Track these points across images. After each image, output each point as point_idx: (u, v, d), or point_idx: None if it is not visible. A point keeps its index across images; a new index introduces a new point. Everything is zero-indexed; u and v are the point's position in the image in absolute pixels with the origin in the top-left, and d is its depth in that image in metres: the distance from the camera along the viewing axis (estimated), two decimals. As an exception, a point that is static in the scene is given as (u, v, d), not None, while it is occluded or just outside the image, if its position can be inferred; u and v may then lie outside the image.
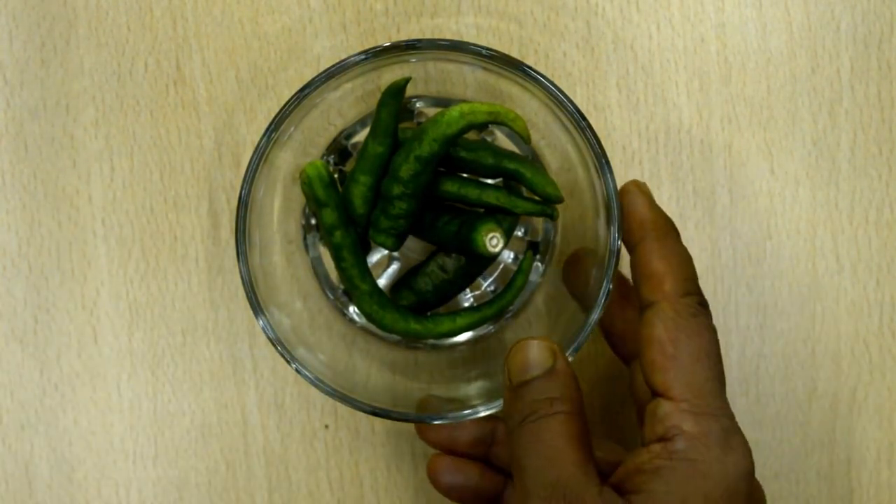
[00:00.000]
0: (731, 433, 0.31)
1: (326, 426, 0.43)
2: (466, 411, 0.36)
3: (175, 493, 0.44)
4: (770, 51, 0.43)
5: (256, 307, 0.36)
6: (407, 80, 0.36)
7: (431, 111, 0.41)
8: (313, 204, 0.38)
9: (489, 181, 0.39)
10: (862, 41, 0.43)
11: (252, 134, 0.43)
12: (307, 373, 0.36)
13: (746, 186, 0.43)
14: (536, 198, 0.38)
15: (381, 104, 0.37)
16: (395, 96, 0.37)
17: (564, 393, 0.32)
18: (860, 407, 0.43)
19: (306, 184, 0.38)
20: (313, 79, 0.36)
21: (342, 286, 0.41)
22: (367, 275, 0.39)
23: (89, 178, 0.43)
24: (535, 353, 0.33)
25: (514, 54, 0.43)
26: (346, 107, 0.38)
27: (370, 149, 0.37)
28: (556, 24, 0.43)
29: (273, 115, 0.43)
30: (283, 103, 0.43)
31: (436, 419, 0.36)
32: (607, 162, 0.35)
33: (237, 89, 0.43)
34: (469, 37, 0.43)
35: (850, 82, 0.43)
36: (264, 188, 0.38)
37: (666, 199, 0.43)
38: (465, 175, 0.39)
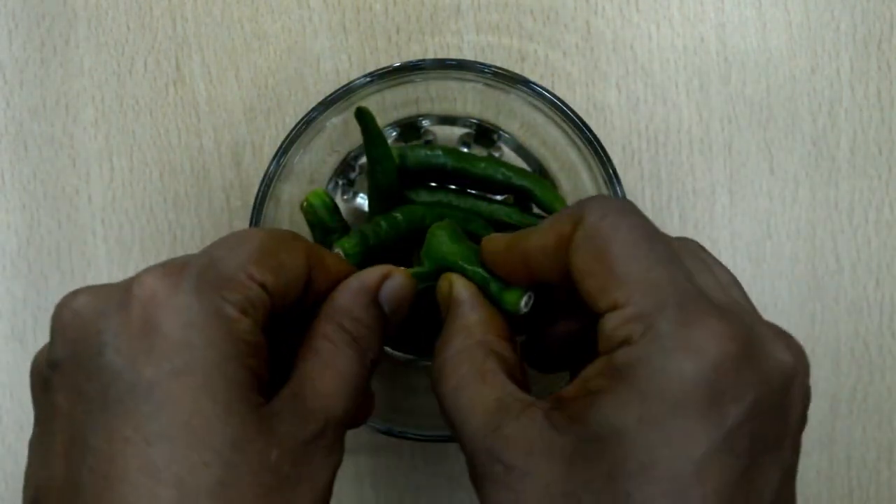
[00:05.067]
0: (688, 322, 0.23)
1: (326, 426, 0.43)
2: None
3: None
4: (770, 51, 0.43)
5: None
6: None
7: (437, 129, 0.41)
8: (320, 232, 0.38)
9: (498, 197, 0.39)
10: (862, 41, 0.43)
11: (252, 134, 0.43)
12: None
13: (746, 186, 0.43)
14: (546, 214, 0.39)
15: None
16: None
17: (456, 322, 0.29)
18: (860, 407, 0.43)
19: (311, 212, 0.37)
20: (319, 103, 0.36)
21: None
22: None
23: (89, 178, 0.43)
24: (441, 292, 0.30)
25: (514, 54, 0.43)
26: (351, 128, 0.38)
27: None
28: (555, 23, 0.43)
29: (272, 115, 0.43)
30: (282, 104, 0.43)
31: (451, 440, 0.37)
32: (616, 174, 0.35)
33: (237, 89, 0.43)
34: (468, 36, 0.43)
35: (849, 82, 0.43)
36: (275, 211, 0.37)
37: (665, 200, 0.43)
38: (473, 192, 0.39)
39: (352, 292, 0.28)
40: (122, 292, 0.25)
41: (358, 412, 0.30)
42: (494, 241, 0.30)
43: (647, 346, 0.23)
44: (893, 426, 0.43)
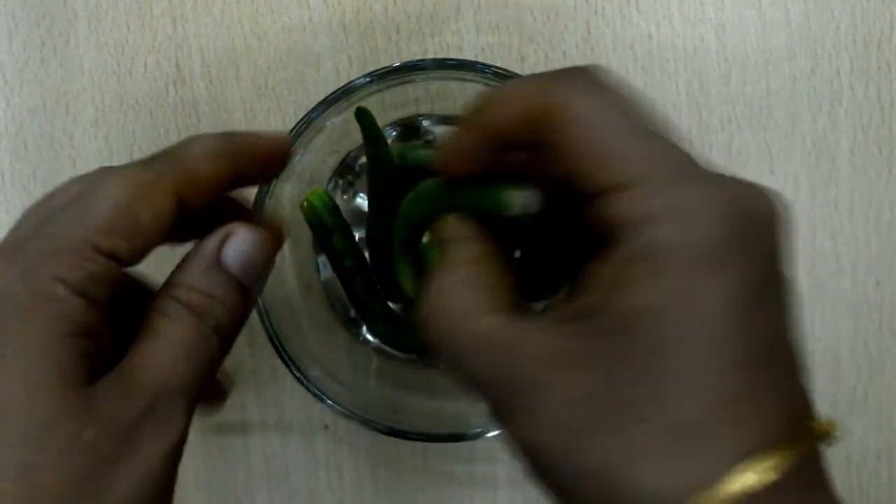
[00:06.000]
0: (714, 189, 0.23)
1: (326, 426, 0.43)
2: (479, 430, 0.36)
3: (175, 494, 0.43)
4: (770, 51, 0.43)
5: (272, 334, 0.36)
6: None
7: (437, 129, 0.41)
8: (319, 232, 0.38)
9: None
10: (862, 41, 0.43)
11: (252, 134, 0.43)
12: (322, 394, 0.36)
13: (746, 186, 0.43)
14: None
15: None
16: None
17: (447, 259, 0.27)
18: (860, 407, 0.43)
19: (311, 212, 0.37)
20: (319, 103, 0.36)
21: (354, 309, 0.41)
22: (379, 298, 0.39)
23: (89, 178, 0.43)
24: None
25: (514, 54, 0.43)
26: (351, 128, 0.38)
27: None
28: (555, 24, 0.43)
29: (272, 115, 0.43)
30: (282, 104, 0.43)
31: (453, 439, 0.37)
32: None
33: (237, 89, 0.43)
34: (469, 36, 0.43)
35: (850, 82, 0.43)
36: (275, 211, 0.37)
37: (666, 199, 0.43)
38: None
39: (188, 262, 0.27)
40: None
41: (210, 392, 0.29)
42: (447, 142, 0.27)
43: (673, 219, 0.23)
44: (893, 426, 0.43)
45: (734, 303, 0.22)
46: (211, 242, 0.27)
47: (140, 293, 0.30)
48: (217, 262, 0.27)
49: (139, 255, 0.26)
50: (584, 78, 0.25)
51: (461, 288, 0.26)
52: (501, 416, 0.24)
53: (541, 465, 0.23)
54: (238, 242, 0.27)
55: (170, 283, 0.27)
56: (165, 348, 0.26)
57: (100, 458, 0.24)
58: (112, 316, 0.26)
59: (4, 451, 0.23)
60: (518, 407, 0.23)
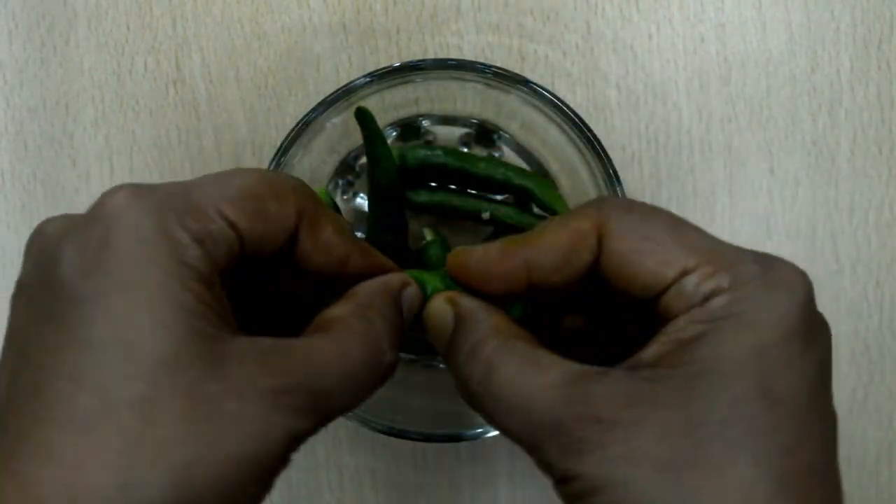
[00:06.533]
0: (769, 266, 0.26)
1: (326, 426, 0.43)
2: (479, 430, 0.36)
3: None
4: (770, 51, 0.43)
5: None
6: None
7: (437, 129, 0.41)
8: None
9: (498, 197, 0.39)
10: (862, 41, 0.43)
11: (252, 133, 0.43)
12: None
13: (746, 186, 0.43)
14: (546, 214, 0.39)
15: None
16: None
17: (480, 331, 0.27)
18: (860, 407, 0.43)
19: None
20: (319, 104, 0.36)
21: None
22: None
23: (89, 178, 0.43)
24: (439, 313, 0.29)
25: (514, 55, 0.43)
26: (351, 128, 0.38)
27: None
28: (555, 24, 0.43)
29: (272, 115, 0.43)
30: (282, 104, 0.43)
31: (453, 439, 0.37)
32: (616, 174, 0.35)
33: (237, 89, 0.43)
34: (469, 36, 0.43)
35: (849, 82, 0.43)
36: None
37: (665, 200, 0.43)
38: (473, 192, 0.39)
39: (376, 289, 0.28)
40: (93, 207, 0.25)
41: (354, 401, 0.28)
42: (473, 255, 0.29)
43: (744, 290, 0.25)
44: (893, 427, 0.43)
45: (818, 376, 0.25)
46: (395, 280, 0.29)
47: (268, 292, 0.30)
48: (399, 297, 0.29)
49: (258, 240, 0.26)
50: (608, 202, 0.27)
51: (514, 344, 0.26)
52: (561, 454, 0.25)
53: (611, 498, 0.24)
54: (411, 292, 0.29)
55: (352, 298, 0.28)
56: (337, 352, 0.26)
57: (219, 410, 0.23)
58: (235, 292, 0.26)
59: (126, 383, 0.22)
60: (592, 440, 0.24)
